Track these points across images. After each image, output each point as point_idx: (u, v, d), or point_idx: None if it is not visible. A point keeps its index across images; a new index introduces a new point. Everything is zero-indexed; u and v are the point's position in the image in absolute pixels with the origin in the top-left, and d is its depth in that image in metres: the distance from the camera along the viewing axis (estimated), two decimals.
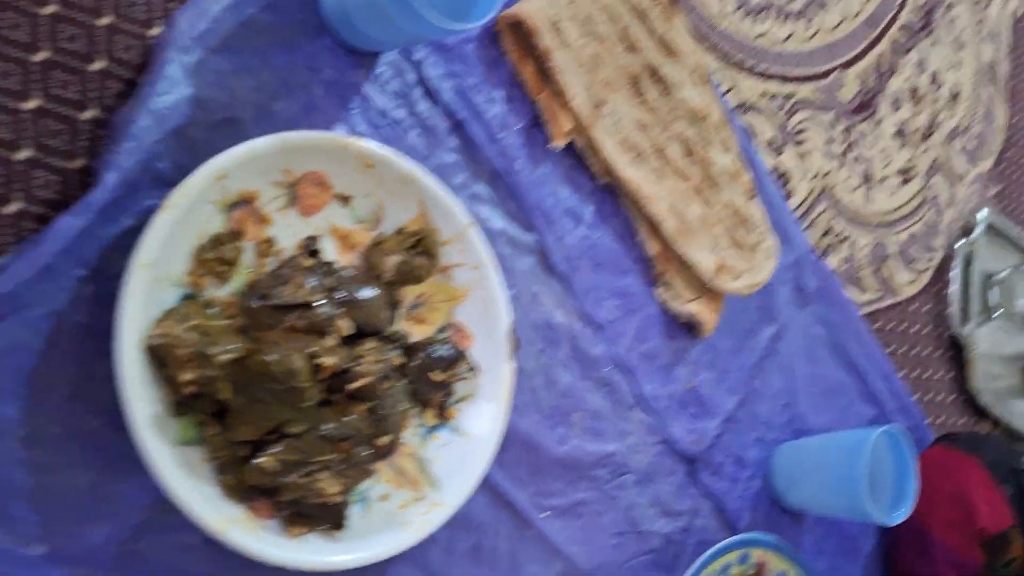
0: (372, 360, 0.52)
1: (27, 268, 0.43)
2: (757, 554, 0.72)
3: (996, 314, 1.07)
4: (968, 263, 1.06)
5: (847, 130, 0.99)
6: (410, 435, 0.57)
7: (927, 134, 1.11)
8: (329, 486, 0.49)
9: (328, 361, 0.48)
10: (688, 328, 0.75)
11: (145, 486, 0.45)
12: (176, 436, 0.46)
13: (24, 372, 0.43)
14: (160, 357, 0.45)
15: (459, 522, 0.57)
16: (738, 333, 0.79)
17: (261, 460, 0.47)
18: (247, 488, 0.48)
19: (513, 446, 0.62)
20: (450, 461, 0.57)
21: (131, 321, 0.44)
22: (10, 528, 0.42)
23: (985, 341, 1.06)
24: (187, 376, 0.45)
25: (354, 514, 0.52)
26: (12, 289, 0.42)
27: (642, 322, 0.72)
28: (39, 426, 0.43)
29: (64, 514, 0.43)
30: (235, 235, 0.51)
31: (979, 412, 1.05)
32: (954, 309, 1.04)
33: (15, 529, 0.42)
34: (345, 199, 0.56)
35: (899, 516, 0.74)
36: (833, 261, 0.93)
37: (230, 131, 0.52)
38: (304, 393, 0.47)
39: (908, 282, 1.02)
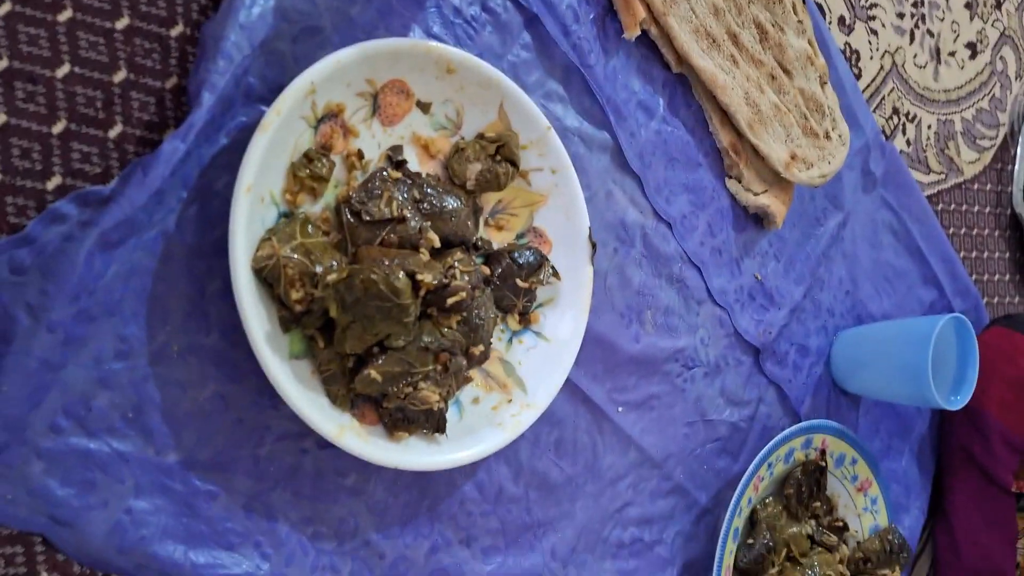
0: (463, 271, 0.53)
1: (140, 194, 0.43)
2: (819, 439, 0.75)
3: None
4: None
5: (917, 3, 0.94)
6: (496, 340, 0.58)
7: (998, 3, 1.05)
8: (431, 394, 0.51)
9: (427, 278, 0.49)
10: (757, 220, 0.75)
11: (266, 397, 0.48)
12: (287, 350, 0.48)
13: (145, 293, 0.44)
14: (270, 277, 0.46)
15: (543, 418, 0.59)
16: (805, 222, 0.79)
17: (369, 372, 0.49)
18: (354, 397, 0.50)
19: (589, 345, 0.64)
20: (535, 364, 0.59)
21: (242, 246, 0.45)
22: (147, 439, 0.45)
23: None
24: (297, 295, 0.47)
25: (451, 418, 0.54)
26: (129, 214, 0.43)
27: (712, 216, 0.72)
28: (163, 344, 0.45)
29: (192, 424, 0.46)
30: (325, 149, 0.51)
31: None
32: (1016, 187, 1.02)
33: (152, 440, 0.45)
34: (425, 106, 0.56)
35: (960, 401, 0.76)
36: (899, 143, 0.91)
37: (311, 40, 0.51)
38: (407, 309, 0.48)
39: (972, 161, 1.00)
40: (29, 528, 0.42)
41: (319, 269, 0.47)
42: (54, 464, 0.42)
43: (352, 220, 0.50)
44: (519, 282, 0.57)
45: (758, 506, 0.73)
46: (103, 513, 0.43)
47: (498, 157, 0.57)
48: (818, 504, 0.76)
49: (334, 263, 0.48)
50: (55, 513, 0.42)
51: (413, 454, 0.51)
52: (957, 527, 0.87)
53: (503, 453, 0.59)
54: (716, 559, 0.67)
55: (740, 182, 0.73)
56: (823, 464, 0.75)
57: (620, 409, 0.66)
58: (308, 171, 0.49)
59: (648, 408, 0.68)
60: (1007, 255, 1.03)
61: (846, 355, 0.79)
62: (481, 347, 0.54)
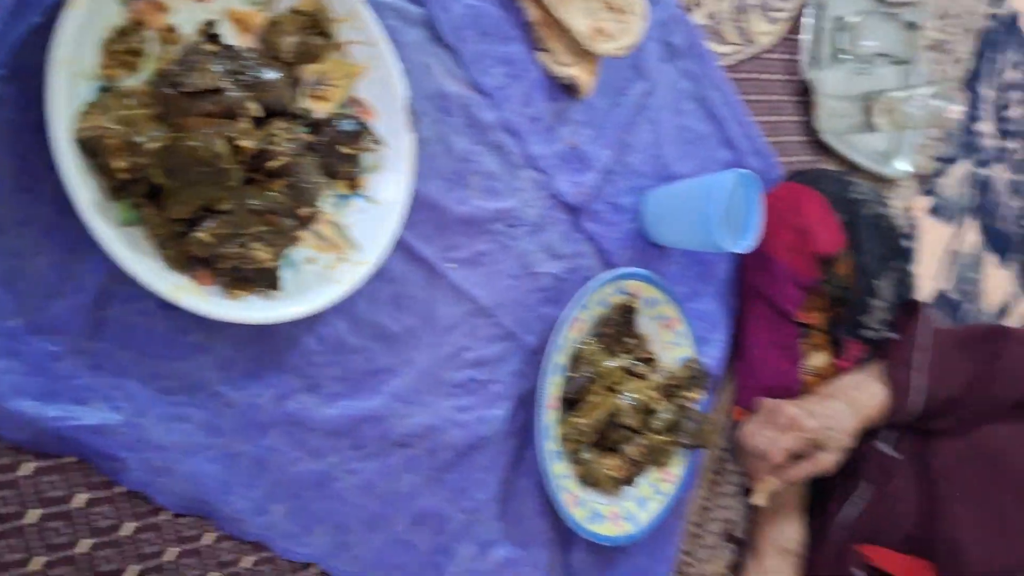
0: (285, 139, 0.57)
1: None
2: (631, 285, 0.85)
3: (843, 56, 1.18)
4: (821, 8, 1.15)
5: None
6: (328, 205, 0.63)
7: None
8: (261, 253, 0.55)
9: (246, 143, 0.53)
10: (568, 90, 0.81)
11: (100, 263, 0.51)
12: (118, 217, 0.51)
13: None
14: (92, 148, 0.49)
15: (380, 276, 0.65)
16: (612, 91, 0.86)
17: (198, 234, 0.53)
18: (188, 259, 0.54)
19: (420, 209, 0.69)
20: (366, 225, 0.64)
21: (60, 117, 0.47)
22: None
23: (831, 83, 1.17)
24: (120, 164, 0.49)
25: (287, 276, 0.59)
26: None
27: (527, 87, 0.78)
28: None
29: (33, 291, 0.49)
30: (138, 24, 0.52)
31: (824, 150, 1.19)
32: (805, 55, 1.14)
33: None
34: None
35: (746, 244, 0.87)
36: (698, 16, 0.99)
37: None
38: (228, 173, 0.52)
39: (765, 32, 1.10)
40: None
41: (140, 139, 0.50)
42: None
43: (170, 92, 0.52)
44: (342, 148, 0.62)
45: (580, 345, 0.83)
46: None
47: (314, 29, 0.61)
48: (631, 340, 0.86)
49: (156, 133, 0.51)
50: None
51: (251, 310, 0.56)
52: (752, 351, 1.01)
53: (342, 308, 0.64)
54: (541, 389, 0.76)
55: (550, 54, 0.79)
56: (634, 305, 0.85)
57: (452, 266, 0.73)
58: (122, 45, 0.51)
59: (478, 264, 0.75)
60: (797, 119, 1.15)
61: (653, 211, 0.89)
62: (309, 209, 0.59)
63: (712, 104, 0.97)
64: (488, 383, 0.76)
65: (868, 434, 1.00)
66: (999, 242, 1.66)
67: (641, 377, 0.87)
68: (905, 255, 1.05)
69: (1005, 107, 1.59)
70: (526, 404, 0.79)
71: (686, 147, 0.95)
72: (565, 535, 0.85)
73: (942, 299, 1.45)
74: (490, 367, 0.76)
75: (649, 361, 0.89)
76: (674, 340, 0.91)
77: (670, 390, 0.89)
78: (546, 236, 0.80)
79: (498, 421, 0.77)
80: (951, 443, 1.01)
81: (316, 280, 0.61)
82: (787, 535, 1.03)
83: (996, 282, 1.66)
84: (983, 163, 1.55)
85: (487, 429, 0.76)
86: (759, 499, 0.94)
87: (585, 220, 0.84)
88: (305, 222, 0.60)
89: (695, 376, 0.90)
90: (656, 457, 0.89)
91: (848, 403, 0.97)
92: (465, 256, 0.74)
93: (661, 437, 0.88)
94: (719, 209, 0.82)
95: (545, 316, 0.81)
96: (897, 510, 0.99)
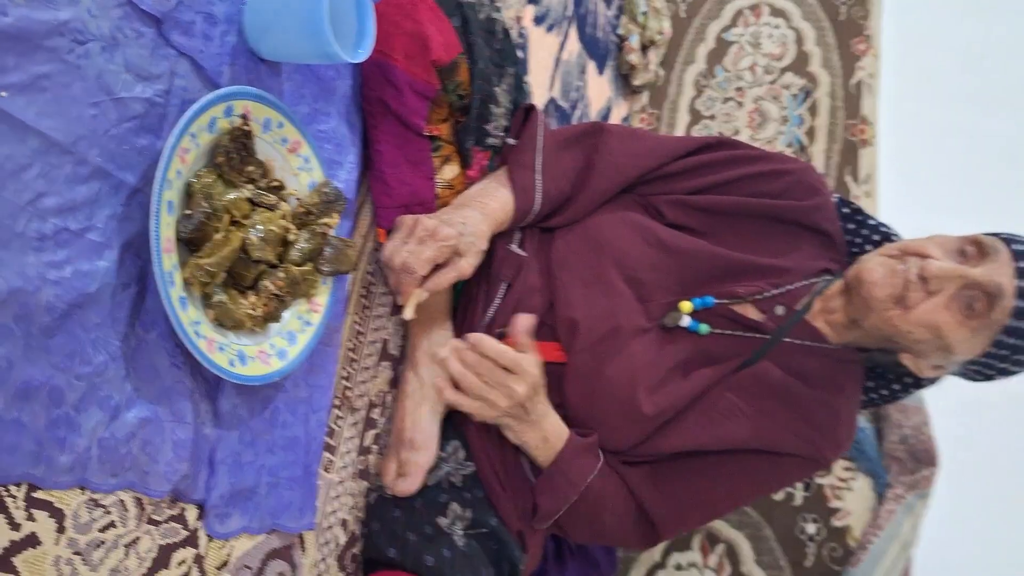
0: None
1: None
2: (240, 105, 0.77)
3: None
4: None
5: None
6: None
7: None
8: None
9: None
10: None
11: None
12: None
13: None
14: None
15: None
16: None
17: None
18: None
19: None
20: None
21: None
22: None
23: None
24: None
25: None
26: None
27: None
28: None
29: None
30: None
31: None
32: None
33: None
34: None
35: (362, 54, 0.83)
36: None
37: None
38: None
39: None
40: None
41: None
42: None
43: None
44: None
45: (192, 179, 0.75)
46: None
47: None
48: (252, 168, 0.80)
49: None
50: None
51: None
52: (386, 171, 1.00)
53: None
54: (152, 232, 0.68)
55: None
56: (247, 129, 0.78)
57: (3, 93, 0.59)
58: None
59: (40, 90, 0.62)
60: None
61: (255, 19, 0.80)
62: None
63: None
64: (84, 232, 0.66)
65: (499, 236, 1.07)
66: (595, 49, 1.80)
67: (270, 208, 0.81)
68: (517, 60, 1.09)
69: None
70: (136, 251, 0.70)
71: None
72: (210, 383, 0.80)
73: (553, 106, 1.56)
74: (82, 213, 0.66)
75: (279, 189, 0.83)
76: (302, 165, 0.87)
77: (305, 218, 0.85)
78: (126, 53, 0.68)
79: (103, 273, 0.67)
80: (565, 235, 1.12)
81: None
82: (438, 343, 1.08)
83: (598, 88, 1.82)
84: None
85: (91, 283, 0.66)
86: (409, 312, 0.96)
87: (174, 33, 0.73)
88: None
89: (329, 201, 0.86)
90: (299, 289, 0.86)
91: (479, 210, 1.01)
92: (20, 80, 0.60)
93: (301, 268, 0.85)
94: (325, 12, 0.76)
95: (143, 149, 0.71)
96: (528, 302, 1.08)
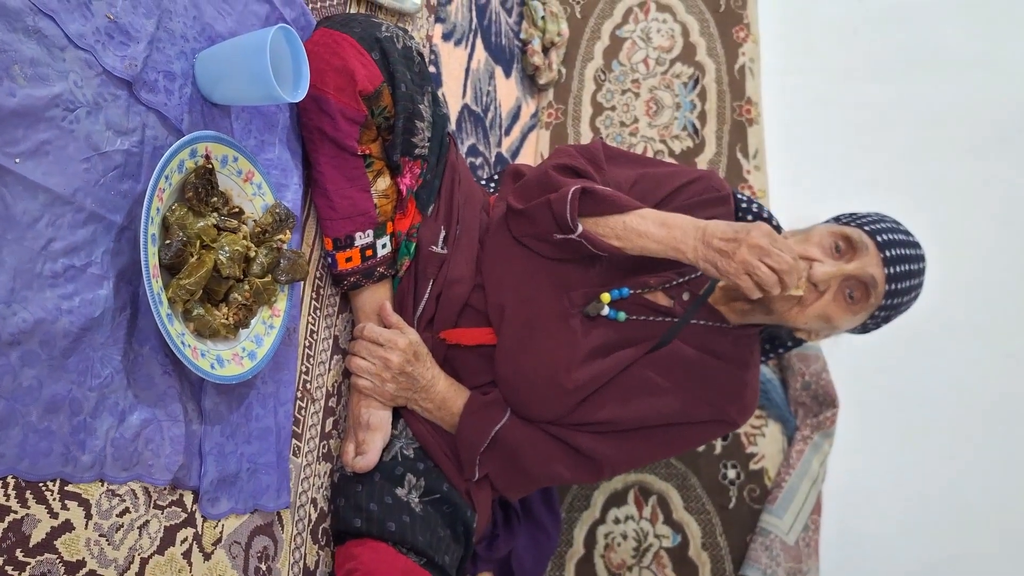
0: None
1: None
2: (202, 147, 0.90)
3: None
4: None
5: None
6: None
7: None
8: None
9: None
10: None
11: None
12: None
13: None
14: None
15: None
16: None
17: None
18: None
19: None
20: None
21: None
22: None
23: None
24: None
25: None
26: None
27: None
28: None
29: None
30: None
31: None
32: None
33: None
34: None
35: (300, 94, 0.97)
36: None
37: None
38: None
39: None
40: None
41: None
42: None
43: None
44: None
45: (167, 213, 0.88)
46: None
47: None
48: (215, 199, 0.93)
49: None
50: None
51: None
52: (329, 188, 1.14)
53: None
54: (142, 262, 0.81)
55: None
56: (210, 166, 0.91)
57: (17, 160, 0.72)
58: None
59: (43, 153, 0.74)
60: None
61: (206, 73, 0.93)
62: None
63: None
64: (86, 267, 0.79)
65: (423, 237, 1.23)
66: (501, 55, 1.96)
67: (233, 231, 0.95)
68: (431, 78, 1.24)
69: None
70: (128, 279, 0.83)
71: (223, 5, 0.99)
72: (195, 385, 0.93)
73: (467, 112, 1.72)
74: (84, 251, 0.78)
75: (239, 214, 0.97)
76: (255, 191, 1.00)
77: (262, 236, 0.99)
78: (107, 114, 0.81)
79: (104, 300, 0.80)
80: (496, 233, 1.29)
81: None
82: None
83: (507, 91, 1.98)
84: None
85: (95, 309, 0.79)
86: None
87: (143, 92, 0.86)
88: None
89: (281, 219, 1.00)
90: (262, 297, 0.99)
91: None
92: (28, 148, 0.73)
93: (262, 279, 0.99)
94: (267, 63, 0.89)
95: (127, 192, 0.84)
96: (453, 292, 1.25)
